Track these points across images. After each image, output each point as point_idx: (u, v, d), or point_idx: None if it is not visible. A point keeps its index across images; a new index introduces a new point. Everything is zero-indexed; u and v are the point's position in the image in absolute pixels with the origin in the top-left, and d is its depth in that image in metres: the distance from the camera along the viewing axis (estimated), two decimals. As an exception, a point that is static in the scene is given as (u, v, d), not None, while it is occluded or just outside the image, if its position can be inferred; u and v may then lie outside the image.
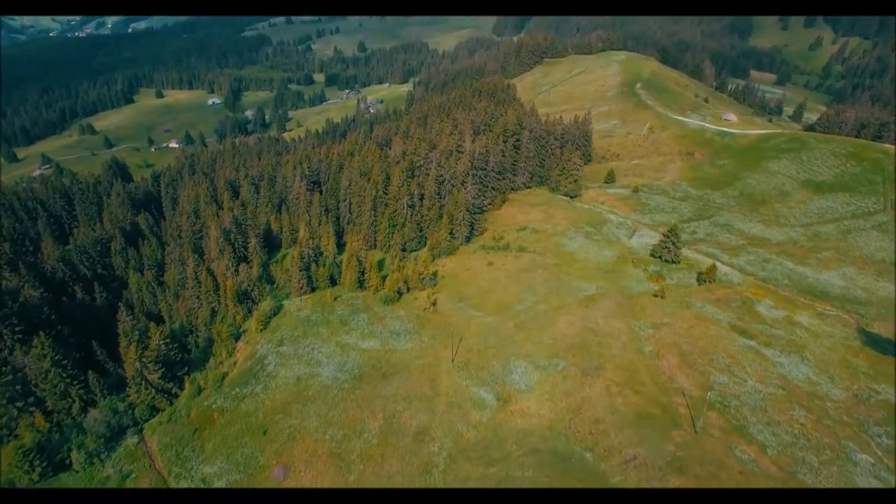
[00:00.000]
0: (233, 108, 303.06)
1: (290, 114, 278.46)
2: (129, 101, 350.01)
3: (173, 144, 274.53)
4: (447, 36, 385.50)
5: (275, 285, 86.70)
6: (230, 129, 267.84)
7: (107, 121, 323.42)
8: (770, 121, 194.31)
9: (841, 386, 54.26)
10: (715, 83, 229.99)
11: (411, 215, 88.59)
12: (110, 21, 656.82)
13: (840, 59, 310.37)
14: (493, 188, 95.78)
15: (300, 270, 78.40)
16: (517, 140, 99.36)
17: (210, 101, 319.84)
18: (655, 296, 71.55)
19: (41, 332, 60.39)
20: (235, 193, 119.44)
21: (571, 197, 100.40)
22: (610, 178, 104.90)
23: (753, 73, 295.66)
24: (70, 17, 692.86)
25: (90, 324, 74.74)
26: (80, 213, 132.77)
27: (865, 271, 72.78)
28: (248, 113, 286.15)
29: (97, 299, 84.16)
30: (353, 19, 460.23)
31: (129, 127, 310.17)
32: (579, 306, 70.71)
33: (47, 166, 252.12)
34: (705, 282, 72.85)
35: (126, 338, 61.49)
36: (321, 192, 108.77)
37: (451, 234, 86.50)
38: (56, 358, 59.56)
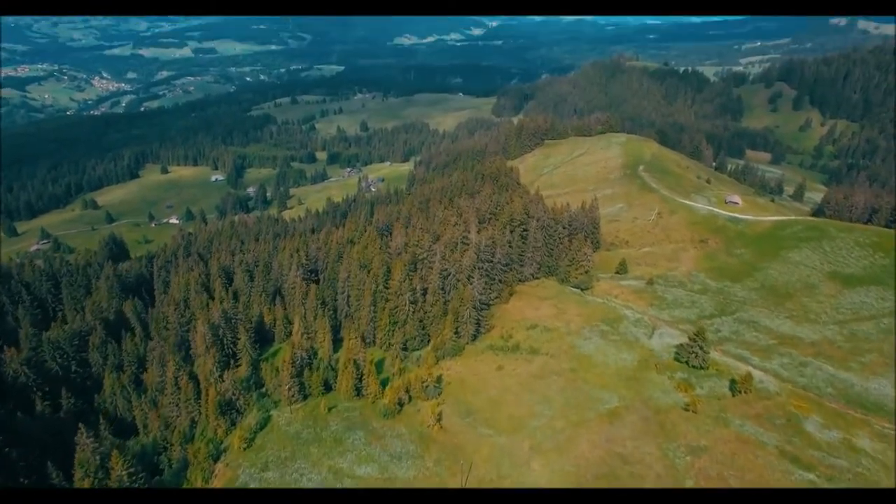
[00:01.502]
0: (235, 184, 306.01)
1: (292, 191, 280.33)
2: (135, 176, 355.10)
3: (174, 220, 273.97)
4: (447, 116, 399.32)
5: (264, 389, 78.98)
6: (231, 205, 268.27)
7: (110, 195, 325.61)
8: (773, 201, 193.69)
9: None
10: (714, 163, 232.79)
11: (413, 312, 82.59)
12: (124, 101, 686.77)
13: (830, 140, 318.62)
14: (499, 281, 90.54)
15: (291, 377, 71.15)
16: (524, 230, 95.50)
17: (213, 178, 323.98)
18: (686, 409, 63.98)
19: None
20: (229, 280, 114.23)
21: (583, 289, 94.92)
22: (622, 269, 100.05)
23: (749, 153, 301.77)
24: (87, 97, 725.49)
25: (48, 440, 66.25)
26: (67, 297, 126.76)
27: (916, 379, 65.80)
28: (250, 190, 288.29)
29: (63, 406, 75.95)
30: (357, 100, 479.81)
31: (132, 202, 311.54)
32: (601, 422, 62.94)
33: (45, 241, 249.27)
34: (740, 392, 65.50)
35: (82, 468, 53.31)
36: (318, 282, 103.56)
37: (456, 332, 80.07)
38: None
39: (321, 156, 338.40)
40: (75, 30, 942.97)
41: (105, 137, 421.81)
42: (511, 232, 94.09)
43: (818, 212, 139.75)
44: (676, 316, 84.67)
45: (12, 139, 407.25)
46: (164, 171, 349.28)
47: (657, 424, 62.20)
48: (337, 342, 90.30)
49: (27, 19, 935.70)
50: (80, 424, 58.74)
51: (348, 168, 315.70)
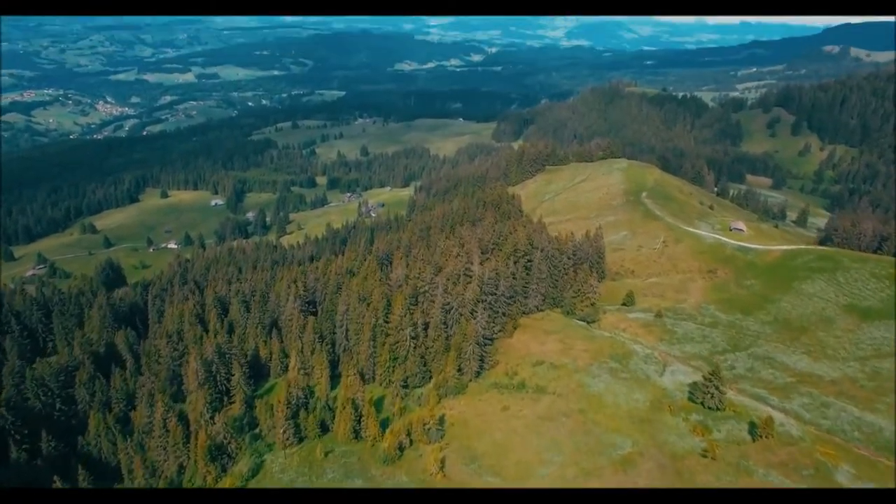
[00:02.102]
0: (235, 209, 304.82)
1: (292, 216, 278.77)
2: (135, 200, 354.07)
3: (172, 245, 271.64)
4: (447, 141, 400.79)
5: (258, 430, 75.17)
6: (230, 230, 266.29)
7: (109, 220, 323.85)
8: (776, 227, 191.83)
9: None
10: (716, 189, 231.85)
11: (414, 347, 79.33)
12: (127, 125, 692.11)
13: (830, 165, 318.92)
14: (503, 314, 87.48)
15: (286, 419, 67.52)
16: (528, 260, 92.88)
17: (213, 202, 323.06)
18: (704, 455, 60.34)
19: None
20: (225, 311, 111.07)
21: (589, 322, 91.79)
22: (629, 300, 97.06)
23: (749, 178, 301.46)
24: (91, 121, 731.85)
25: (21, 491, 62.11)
26: (58, 326, 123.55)
27: (947, 423, 62.22)
28: (250, 214, 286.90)
29: (43, 450, 71.89)
30: (357, 125, 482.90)
31: (131, 226, 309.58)
32: (615, 471, 59.18)
33: (41, 266, 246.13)
34: (761, 437, 61.86)
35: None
36: (317, 313, 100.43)
37: (458, 369, 76.70)
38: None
39: (321, 180, 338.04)
40: (82, 56, 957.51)
41: (106, 161, 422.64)
42: (515, 263, 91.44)
43: (825, 240, 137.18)
44: (688, 351, 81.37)
45: (14, 163, 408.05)
46: (164, 195, 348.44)
47: (674, 472, 58.50)
48: (335, 378, 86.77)
49: (36, 46, 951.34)
50: (56, 477, 54.82)
51: (348, 193, 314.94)
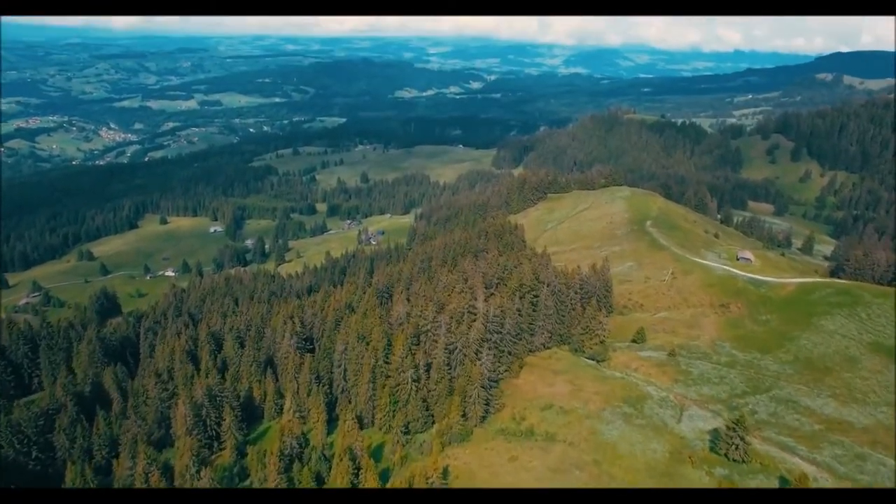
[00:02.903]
0: (234, 236, 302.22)
1: (291, 244, 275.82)
2: (134, 226, 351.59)
3: (169, 273, 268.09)
4: (447, 168, 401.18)
5: (248, 482, 70.24)
6: (229, 258, 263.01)
7: (107, 246, 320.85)
8: (783, 255, 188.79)
9: None
10: (719, 216, 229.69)
11: (416, 390, 74.97)
12: (130, 150, 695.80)
13: (831, 191, 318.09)
14: (509, 353, 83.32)
15: (279, 472, 62.77)
16: (534, 296, 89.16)
17: (212, 229, 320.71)
18: (731, 515, 55.36)
19: None
20: (219, 347, 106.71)
21: (598, 361, 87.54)
22: (640, 337, 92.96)
23: (751, 204, 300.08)
24: (94, 147, 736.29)
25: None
26: (44, 362, 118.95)
27: None
28: (249, 242, 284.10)
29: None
30: (357, 151, 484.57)
31: (129, 253, 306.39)
32: (636, 533, 54.12)
33: (35, 294, 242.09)
34: (791, 494, 57.04)
35: None
36: (314, 350, 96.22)
37: (463, 414, 72.15)
38: None
39: (321, 207, 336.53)
40: (87, 83, 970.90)
41: (107, 187, 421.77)
42: (520, 298, 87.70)
43: (837, 270, 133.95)
44: (705, 394, 76.94)
45: (15, 189, 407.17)
46: (164, 221, 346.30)
47: (700, 535, 53.51)
48: (332, 421, 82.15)
49: (43, 74, 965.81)
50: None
51: (348, 220, 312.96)
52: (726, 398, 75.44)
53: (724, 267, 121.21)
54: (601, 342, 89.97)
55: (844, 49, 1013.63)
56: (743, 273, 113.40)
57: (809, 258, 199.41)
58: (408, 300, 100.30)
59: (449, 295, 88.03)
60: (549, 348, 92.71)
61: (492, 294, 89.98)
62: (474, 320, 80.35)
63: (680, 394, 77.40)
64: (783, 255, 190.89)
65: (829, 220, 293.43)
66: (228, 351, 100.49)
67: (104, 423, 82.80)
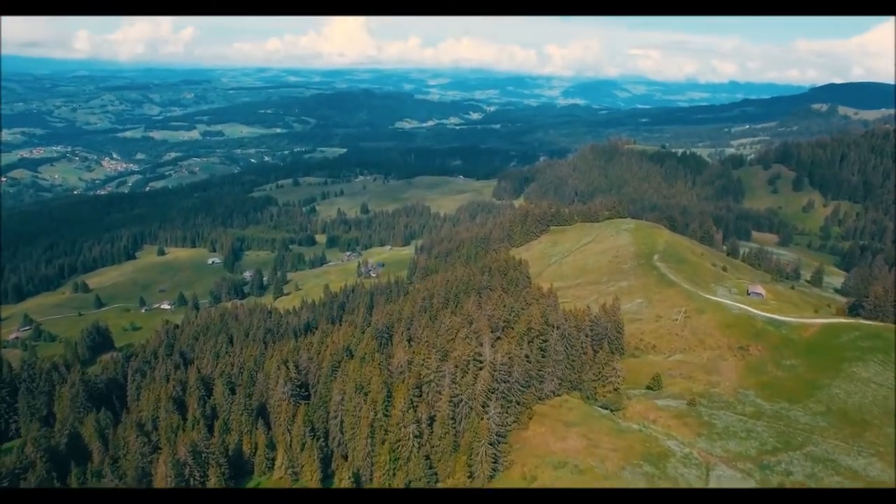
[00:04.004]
0: (232, 268, 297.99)
1: (290, 275, 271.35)
2: (131, 257, 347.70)
3: (165, 306, 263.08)
4: (448, 199, 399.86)
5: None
6: (226, 291, 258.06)
7: (103, 278, 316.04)
8: (793, 288, 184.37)
9: None
10: (725, 247, 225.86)
11: (419, 447, 69.18)
12: (131, 180, 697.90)
13: (835, 221, 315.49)
14: (517, 402, 77.76)
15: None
16: (543, 340, 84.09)
17: (210, 261, 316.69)
18: None
19: None
20: (209, 392, 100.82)
21: (613, 410, 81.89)
22: (656, 384, 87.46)
23: (755, 235, 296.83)
24: (95, 177, 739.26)
25: None
26: (23, 407, 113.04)
27: None
28: (247, 274, 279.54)
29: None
30: (358, 182, 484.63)
31: (125, 285, 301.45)
32: None
33: (26, 328, 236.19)
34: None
35: None
36: (309, 398, 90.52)
37: (469, 474, 66.24)
38: None
39: (321, 238, 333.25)
40: (92, 114, 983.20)
41: (106, 217, 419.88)
42: (529, 343, 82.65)
43: (856, 307, 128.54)
44: (732, 450, 71.04)
45: (14, 218, 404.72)
46: (161, 252, 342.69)
47: None
48: (327, 478, 75.98)
49: (49, 105, 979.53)
50: None
51: (348, 252, 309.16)
52: (756, 455, 69.56)
53: (739, 305, 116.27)
54: (615, 390, 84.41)
55: (837, 80, 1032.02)
56: (760, 312, 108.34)
57: (819, 291, 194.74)
58: (409, 342, 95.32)
59: (453, 340, 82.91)
60: (559, 395, 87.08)
61: (498, 338, 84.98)
62: (481, 369, 75.12)
63: (704, 450, 71.52)
64: (793, 288, 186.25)
65: (835, 251, 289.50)
66: (218, 398, 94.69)
67: (78, 481, 76.47)
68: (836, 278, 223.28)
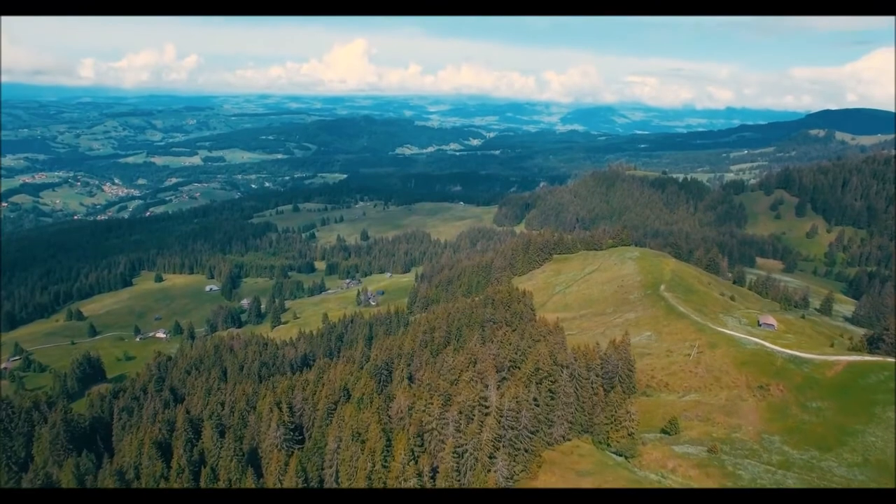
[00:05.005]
0: (230, 295, 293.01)
1: (288, 303, 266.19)
2: (128, 284, 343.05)
3: (160, 335, 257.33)
4: (448, 226, 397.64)
5: None
6: (223, 319, 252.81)
7: (99, 304, 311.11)
8: (803, 317, 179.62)
9: None
10: (730, 274, 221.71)
11: (420, 502, 63.55)
12: (131, 206, 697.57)
13: (840, 247, 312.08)
14: (525, 450, 72.41)
15: None
16: (552, 381, 79.20)
17: (208, 288, 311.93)
18: None
19: None
20: (197, 434, 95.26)
21: (627, 458, 76.42)
22: (672, 428, 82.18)
23: (759, 261, 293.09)
24: (97, 202, 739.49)
25: None
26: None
27: None
28: (244, 302, 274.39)
29: None
30: (358, 208, 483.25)
31: (120, 312, 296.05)
32: None
33: (16, 358, 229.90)
34: None
35: None
36: (303, 442, 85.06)
37: (476, 534, 60.48)
38: None
39: (320, 265, 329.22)
40: (95, 140, 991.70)
41: (105, 243, 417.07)
42: (537, 385, 77.72)
43: (876, 341, 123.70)
44: (759, 505, 65.37)
45: (13, 244, 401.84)
46: (159, 279, 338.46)
47: None
48: (320, 534, 69.97)
49: (53, 132, 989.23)
50: None
51: (347, 279, 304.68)
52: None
53: (754, 339, 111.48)
54: (630, 434, 79.11)
55: (832, 106, 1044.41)
56: (777, 347, 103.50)
57: (829, 320, 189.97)
58: (409, 381, 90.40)
59: (456, 383, 78.01)
60: (569, 440, 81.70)
61: (504, 379, 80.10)
62: (487, 415, 70.14)
63: (729, 504, 65.81)
64: (803, 317, 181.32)
65: (841, 277, 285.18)
66: (207, 442, 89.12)
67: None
68: (845, 306, 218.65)
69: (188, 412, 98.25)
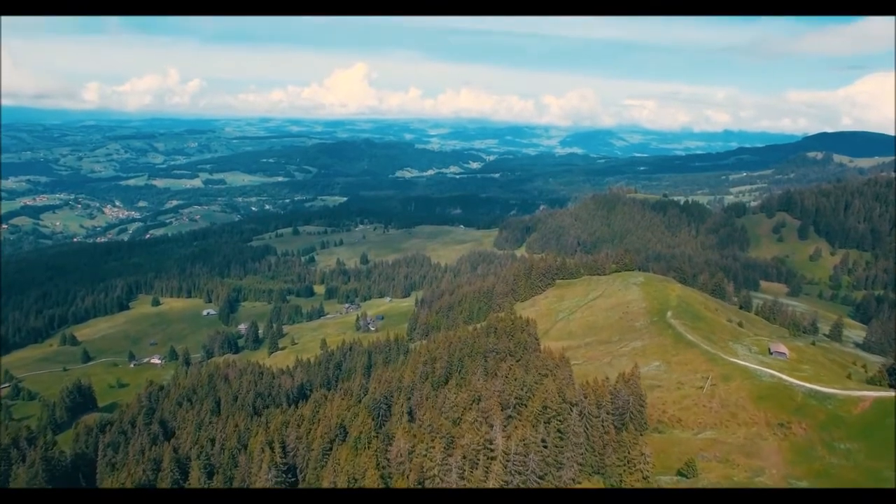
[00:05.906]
0: (227, 320, 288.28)
1: (286, 328, 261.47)
2: (125, 308, 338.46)
3: (155, 360, 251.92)
4: (448, 249, 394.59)
5: None
6: (219, 345, 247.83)
7: (94, 329, 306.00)
8: (813, 343, 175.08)
9: None
10: (736, 299, 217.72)
11: (421, 558, 58.58)
12: (131, 228, 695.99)
13: (845, 270, 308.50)
14: (535, 496, 67.35)
15: None
16: (560, 420, 74.71)
17: (205, 312, 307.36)
18: None
19: None
20: (185, 475, 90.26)
21: None
22: (689, 470, 77.24)
23: (763, 284, 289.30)
24: (97, 224, 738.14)
25: None
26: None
27: None
28: (242, 327, 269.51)
29: None
30: (357, 231, 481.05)
31: (115, 337, 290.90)
32: None
33: (6, 385, 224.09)
34: None
35: None
36: (296, 486, 79.97)
37: None
38: None
39: (319, 289, 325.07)
40: (97, 162, 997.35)
41: (103, 266, 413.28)
42: (545, 425, 73.22)
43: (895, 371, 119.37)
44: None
45: (11, 266, 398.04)
46: (156, 303, 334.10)
47: None
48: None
49: (56, 154, 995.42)
50: None
51: (347, 303, 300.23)
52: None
53: (769, 371, 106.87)
54: (644, 478, 74.19)
55: (828, 129, 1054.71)
56: (794, 380, 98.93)
57: (840, 346, 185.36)
58: (409, 415, 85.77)
59: (459, 422, 73.53)
60: (578, 482, 76.70)
61: (510, 417, 75.61)
62: (492, 458, 65.56)
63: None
64: (813, 343, 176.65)
65: (847, 301, 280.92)
66: (194, 484, 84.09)
67: None
68: (855, 331, 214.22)
69: (175, 451, 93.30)
